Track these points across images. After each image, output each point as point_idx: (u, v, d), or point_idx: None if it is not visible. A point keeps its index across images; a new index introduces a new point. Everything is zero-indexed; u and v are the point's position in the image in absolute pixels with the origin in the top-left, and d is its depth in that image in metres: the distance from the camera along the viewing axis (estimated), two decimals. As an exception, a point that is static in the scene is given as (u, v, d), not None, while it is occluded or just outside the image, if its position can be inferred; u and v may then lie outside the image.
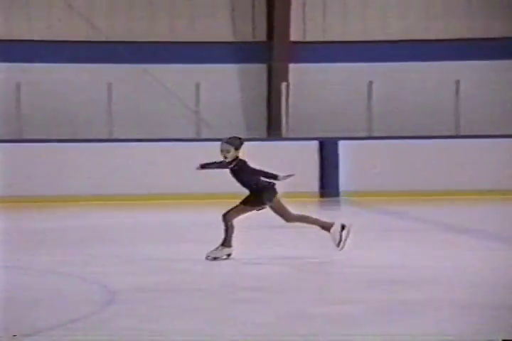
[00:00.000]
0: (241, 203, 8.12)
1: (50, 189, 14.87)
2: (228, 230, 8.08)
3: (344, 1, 17.54)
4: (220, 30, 17.42)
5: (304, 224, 8.29)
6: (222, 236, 8.10)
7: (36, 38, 16.99)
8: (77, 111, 16.89)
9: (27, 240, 10.15)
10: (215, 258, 8.11)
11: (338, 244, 8.20)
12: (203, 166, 8.39)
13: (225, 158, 8.09)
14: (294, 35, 17.37)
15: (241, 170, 8.07)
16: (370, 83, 16.36)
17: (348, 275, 7.48)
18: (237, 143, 8.12)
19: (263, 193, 8.05)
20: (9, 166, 14.72)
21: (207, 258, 8.12)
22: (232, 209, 8.10)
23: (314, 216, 8.35)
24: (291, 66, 17.29)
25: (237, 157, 8.13)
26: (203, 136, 16.24)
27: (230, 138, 8.18)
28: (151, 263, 8.11)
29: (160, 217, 13.11)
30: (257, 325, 5.56)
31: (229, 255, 8.19)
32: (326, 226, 8.23)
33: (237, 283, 7.15)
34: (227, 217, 8.07)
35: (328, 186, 15.41)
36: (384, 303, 6.22)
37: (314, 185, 15.31)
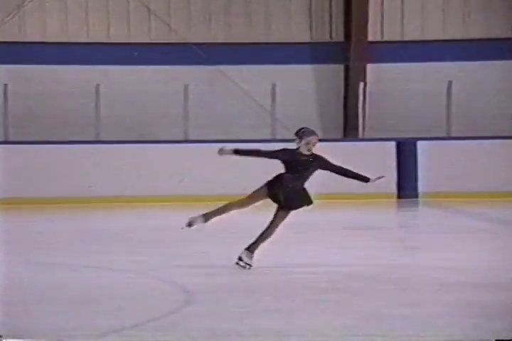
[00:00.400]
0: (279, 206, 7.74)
1: (122, 189, 15.00)
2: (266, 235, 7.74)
3: (422, 0, 17.32)
4: (296, 30, 17.38)
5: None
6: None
7: (115, 40, 17.19)
8: (154, 112, 17.03)
9: (98, 240, 10.25)
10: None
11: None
12: (237, 152, 7.94)
13: (309, 150, 7.60)
14: (372, 35, 17.22)
15: (313, 165, 7.61)
16: (450, 83, 16.10)
17: (424, 277, 7.36)
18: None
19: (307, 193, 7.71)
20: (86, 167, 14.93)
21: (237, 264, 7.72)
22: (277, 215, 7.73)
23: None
24: (369, 66, 17.13)
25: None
26: (279, 137, 16.19)
27: (312, 130, 7.67)
28: (221, 264, 8.10)
29: (229, 216, 13.10)
30: (333, 326, 5.50)
31: (240, 259, 7.78)
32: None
33: (311, 285, 7.08)
34: (275, 222, 7.76)
35: (406, 187, 15.22)
36: (460, 306, 6.09)
37: (392, 186, 15.12)
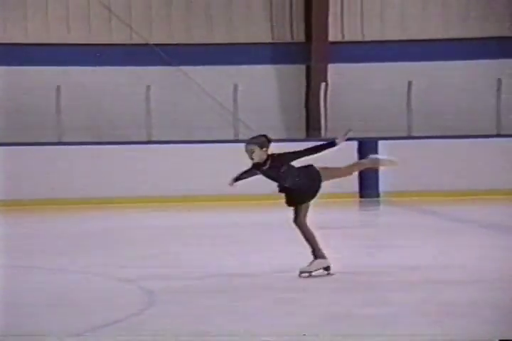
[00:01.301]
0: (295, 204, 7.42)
1: (90, 191, 14.96)
2: (308, 237, 7.36)
3: (382, 0, 17.45)
4: (257, 31, 17.42)
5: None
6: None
7: (75, 41, 17.11)
8: (116, 113, 16.98)
9: (62, 243, 10.21)
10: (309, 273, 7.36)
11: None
12: (236, 179, 7.75)
13: (252, 159, 7.44)
14: (332, 36, 17.31)
15: (279, 165, 7.40)
16: (410, 83, 16.25)
17: (387, 275, 7.42)
18: (261, 140, 7.43)
19: (315, 182, 7.46)
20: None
21: (300, 275, 7.35)
22: (297, 213, 7.37)
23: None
24: (330, 66, 17.22)
25: (268, 156, 7.44)
26: (242, 138, 16.23)
27: (253, 137, 7.53)
28: (186, 265, 8.12)
29: (196, 218, 13.13)
30: (298, 325, 5.54)
31: (326, 268, 7.40)
32: None
33: (275, 284, 7.12)
34: (299, 223, 7.39)
35: (367, 186, 15.33)
36: (423, 304, 6.16)
37: (354, 186, 15.23)
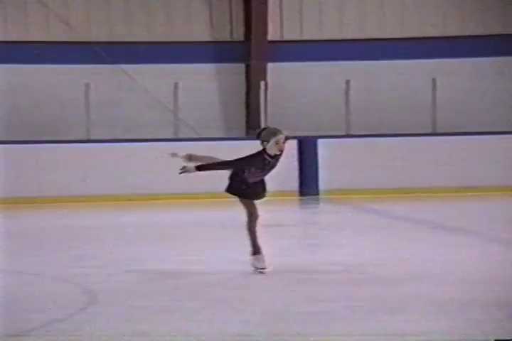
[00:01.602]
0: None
1: (26, 190, 14.81)
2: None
3: (320, 0, 17.58)
4: (197, 30, 17.42)
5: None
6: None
7: (13, 38, 16.91)
8: (55, 112, 16.84)
9: (3, 241, 10.11)
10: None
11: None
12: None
13: (281, 149, 7.23)
14: (272, 35, 17.40)
15: (276, 161, 7.30)
16: (348, 81, 16.42)
17: (327, 273, 7.51)
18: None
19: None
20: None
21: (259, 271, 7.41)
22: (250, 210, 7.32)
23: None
24: (269, 65, 17.31)
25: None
26: (181, 136, 16.23)
27: (267, 127, 7.42)
28: (128, 264, 8.11)
29: (136, 217, 13.11)
30: (237, 324, 5.59)
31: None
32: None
33: (215, 283, 7.16)
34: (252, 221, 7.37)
35: (307, 184, 15.46)
36: (363, 301, 6.26)
37: (294, 184, 15.34)
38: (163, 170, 15.29)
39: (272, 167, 7.39)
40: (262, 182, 7.56)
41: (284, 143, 7.25)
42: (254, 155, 7.30)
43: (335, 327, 5.45)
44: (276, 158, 7.38)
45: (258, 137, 7.35)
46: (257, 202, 7.55)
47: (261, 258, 7.44)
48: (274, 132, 7.28)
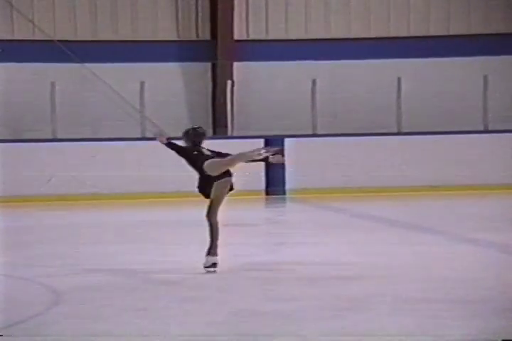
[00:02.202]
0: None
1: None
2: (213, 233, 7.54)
3: (286, 0, 17.61)
4: (163, 29, 17.38)
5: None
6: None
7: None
8: (20, 111, 16.72)
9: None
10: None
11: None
12: (169, 143, 7.75)
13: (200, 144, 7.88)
14: (238, 34, 17.41)
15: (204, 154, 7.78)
16: (314, 81, 16.48)
17: (293, 272, 7.54)
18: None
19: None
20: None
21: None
22: (211, 207, 7.52)
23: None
24: (236, 64, 17.31)
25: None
26: (148, 135, 16.19)
27: (199, 127, 8.05)
28: (93, 263, 8.08)
29: (103, 216, 13.06)
30: (204, 323, 5.59)
31: (213, 265, 7.55)
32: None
33: (182, 283, 7.16)
34: (211, 217, 7.54)
35: (274, 184, 15.49)
36: (329, 299, 6.29)
37: (260, 183, 15.37)
38: (129, 170, 15.26)
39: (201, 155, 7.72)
40: (211, 179, 7.64)
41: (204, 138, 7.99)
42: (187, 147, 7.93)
43: (302, 326, 5.47)
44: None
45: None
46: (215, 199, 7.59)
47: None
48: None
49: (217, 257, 7.57)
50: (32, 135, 16.08)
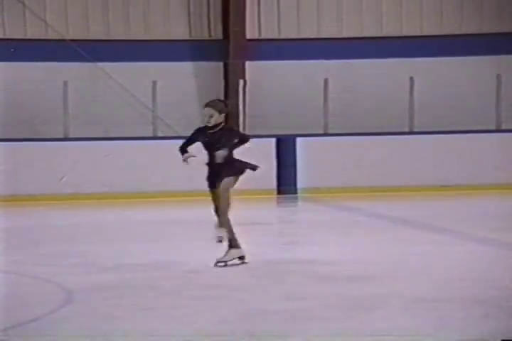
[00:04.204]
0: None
1: (3, 188, 14.74)
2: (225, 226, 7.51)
3: (298, -2, 17.60)
4: (175, 28, 17.39)
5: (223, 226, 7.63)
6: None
7: (-10, 36, 16.83)
8: (33, 110, 16.77)
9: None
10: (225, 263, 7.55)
11: (220, 262, 7.57)
12: (183, 151, 7.59)
13: (208, 122, 7.47)
14: (250, 33, 17.41)
15: (226, 133, 7.49)
16: (326, 80, 16.46)
17: (304, 271, 7.53)
18: (220, 106, 7.52)
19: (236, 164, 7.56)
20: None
21: (216, 265, 7.55)
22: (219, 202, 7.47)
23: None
24: (248, 63, 17.31)
25: (220, 123, 7.51)
26: (160, 134, 16.22)
27: (212, 101, 7.63)
28: (106, 262, 8.10)
29: (114, 215, 13.08)
30: (215, 322, 5.59)
31: (241, 257, 7.58)
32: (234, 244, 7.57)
33: (194, 281, 7.16)
34: (221, 211, 7.49)
35: (285, 183, 15.48)
36: (339, 299, 6.28)
37: (272, 183, 15.36)
38: (141, 169, 15.29)
39: (219, 140, 7.52)
40: (219, 169, 7.56)
41: (209, 117, 7.51)
42: (199, 127, 7.70)
43: (313, 326, 5.46)
44: (217, 130, 7.55)
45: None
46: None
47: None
48: (204, 105, 7.64)
49: (242, 249, 7.55)
50: (44, 134, 16.13)
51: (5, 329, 5.40)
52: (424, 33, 17.60)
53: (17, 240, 10.10)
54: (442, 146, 15.81)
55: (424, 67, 17.24)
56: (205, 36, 17.48)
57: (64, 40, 16.89)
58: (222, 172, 7.54)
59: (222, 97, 17.36)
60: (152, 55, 17.15)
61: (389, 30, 17.59)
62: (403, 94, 16.66)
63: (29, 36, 17.00)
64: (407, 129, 16.48)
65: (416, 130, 16.39)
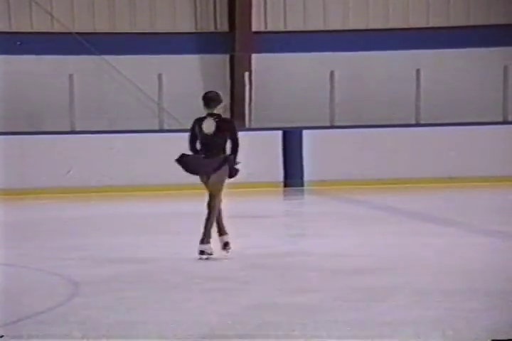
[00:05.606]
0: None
1: (9, 182, 14.75)
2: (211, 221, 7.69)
3: (304, -9, 17.56)
4: (181, 20, 17.37)
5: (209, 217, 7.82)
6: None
7: (-4, 29, 16.82)
8: (39, 103, 16.77)
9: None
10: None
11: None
12: (195, 151, 7.90)
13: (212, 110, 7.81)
14: (256, 26, 17.37)
15: (222, 127, 7.74)
16: (332, 73, 16.41)
17: (311, 263, 7.53)
18: (220, 99, 8.04)
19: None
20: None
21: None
22: (211, 196, 7.65)
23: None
24: (254, 56, 17.27)
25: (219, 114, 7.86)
26: (166, 127, 16.19)
27: (210, 91, 8.03)
28: (112, 255, 8.10)
29: (121, 208, 13.08)
30: (223, 314, 5.59)
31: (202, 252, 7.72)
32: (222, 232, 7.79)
33: (201, 274, 7.16)
34: (212, 206, 7.69)
35: (292, 176, 15.46)
36: (346, 291, 6.27)
37: (278, 175, 15.34)
38: (147, 162, 15.28)
39: (218, 128, 7.78)
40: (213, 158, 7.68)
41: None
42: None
43: (318, 318, 5.45)
44: (215, 118, 7.92)
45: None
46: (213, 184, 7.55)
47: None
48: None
49: (209, 245, 7.65)
50: (50, 127, 16.13)
51: (13, 322, 5.40)
52: (431, 25, 17.54)
53: (23, 233, 10.11)
54: (449, 138, 15.77)
55: (430, 58, 17.19)
56: (211, 29, 17.45)
57: (70, 33, 16.88)
58: (214, 167, 7.57)
59: (227, 90, 17.36)
60: (158, 47, 17.13)
61: (395, 22, 17.54)
62: (410, 86, 16.61)
63: (35, 29, 16.99)
64: (413, 121, 16.43)
65: (422, 122, 16.34)
